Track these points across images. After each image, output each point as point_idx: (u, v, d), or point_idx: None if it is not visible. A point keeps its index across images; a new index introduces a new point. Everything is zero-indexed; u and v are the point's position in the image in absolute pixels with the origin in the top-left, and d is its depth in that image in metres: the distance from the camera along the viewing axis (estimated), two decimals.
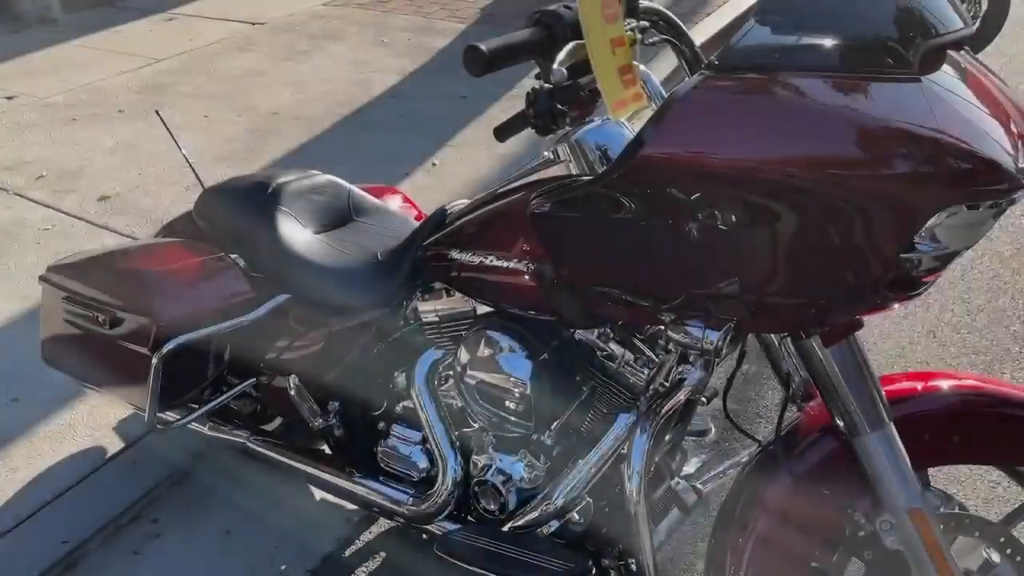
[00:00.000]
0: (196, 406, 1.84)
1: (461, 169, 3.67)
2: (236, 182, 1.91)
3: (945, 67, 1.09)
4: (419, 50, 5.15)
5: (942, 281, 2.78)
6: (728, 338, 1.18)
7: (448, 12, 5.89)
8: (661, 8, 1.25)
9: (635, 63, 1.08)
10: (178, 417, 1.83)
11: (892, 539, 1.26)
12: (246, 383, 1.85)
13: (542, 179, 1.34)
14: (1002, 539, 1.31)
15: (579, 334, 1.50)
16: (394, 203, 2.10)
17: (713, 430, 1.82)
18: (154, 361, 1.68)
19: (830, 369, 1.23)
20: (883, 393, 1.25)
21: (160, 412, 1.83)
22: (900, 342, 2.52)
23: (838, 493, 1.29)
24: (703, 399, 1.73)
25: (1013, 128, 1.13)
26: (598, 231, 1.15)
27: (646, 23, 1.17)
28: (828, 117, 1.00)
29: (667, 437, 1.58)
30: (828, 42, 1.04)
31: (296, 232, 1.78)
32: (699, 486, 1.71)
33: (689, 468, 1.78)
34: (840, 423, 1.26)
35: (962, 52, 1.18)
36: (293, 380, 1.75)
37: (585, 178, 1.17)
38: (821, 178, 0.99)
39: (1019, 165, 1.03)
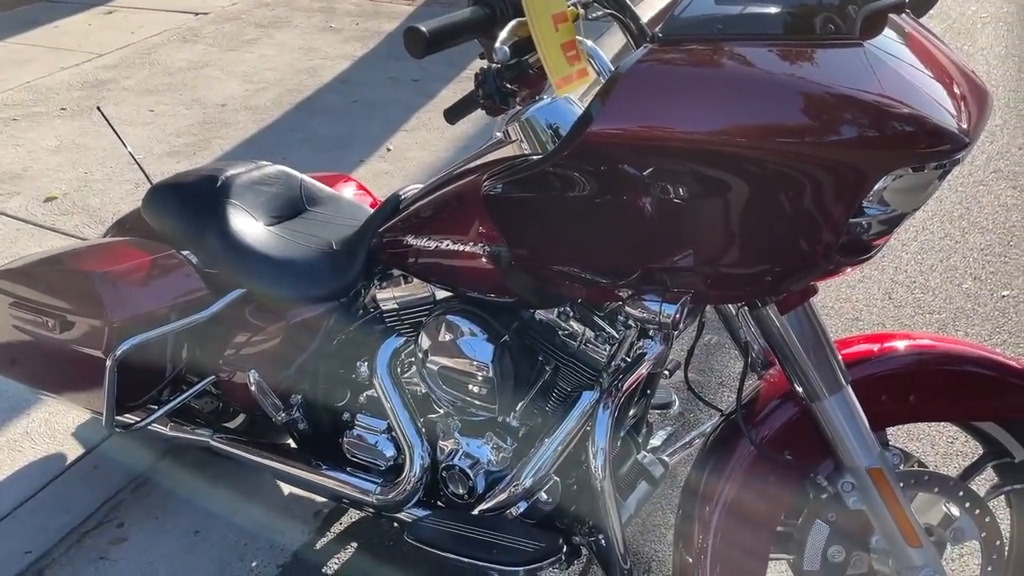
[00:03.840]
0: (155, 407, 1.80)
1: (417, 153, 3.64)
2: (184, 177, 1.87)
3: (887, 31, 1.10)
4: (368, 35, 5.08)
5: (896, 243, 2.83)
6: (685, 311, 1.18)
7: None
8: None
9: (580, 38, 1.07)
10: (137, 419, 1.80)
11: (854, 499, 1.29)
12: (205, 381, 1.82)
13: (494, 160, 1.33)
14: (960, 493, 1.34)
15: (539, 314, 1.50)
16: (348, 191, 2.08)
17: (677, 403, 1.84)
18: (108, 364, 1.64)
19: (786, 336, 1.24)
20: (839, 357, 1.26)
21: (119, 415, 1.80)
22: (856, 306, 2.56)
23: (800, 457, 1.31)
24: (665, 372, 1.74)
25: (956, 90, 1.14)
26: (549, 210, 1.15)
27: None
28: (773, 85, 1.00)
29: (631, 412, 1.59)
30: (770, 10, 1.04)
31: (248, 225, 1.74)
32: (665, 458, 1.73)
33: (655, 441, 1.80)
34: (799, 389, 1.27)
35: (903, 16, 1.19)
36: (253, 376, 1.72)
37: (534, 157, 1.16)
38: (768, 147, 0.99)
39: (961, 126, 1.05)
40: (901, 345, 1.33)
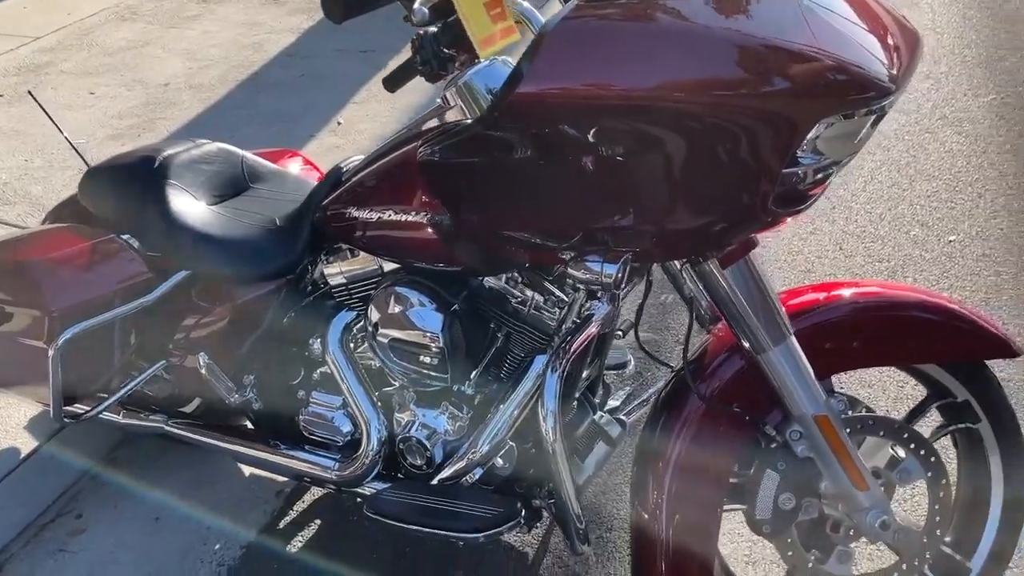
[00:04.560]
0: (105, 396, 1.77)
1: (368, 126, 3.59)
2: (120, 159, 1.82)
3: None
4: (314, 6, 4.97)
5: (846, 194, 2.86)
6: (627, 270, 1.19)
7: None
8: None
9: None
10: (87, 409, 1.77)
11: (802, 447, 1.31)
12: (155, 367, 1.79)
13: (431, 127, 1.31)
14: (905, 435, 1.36)
15: (488, 282, 1.49)
16: (293, 166, 2.04)
17: (632, 362, 1.85)
18: (51, 353, 1.61)
19: (729, 290, 1.25)
20: (782, 308, 1.28)
21: (67, 406, 1.77)
22: (808, 258, 2.59)
23: (748, 409, 1.32)
24: (619, 332, 1.75)
25: (886, 36, 1.14)
26: (485, 175, 1.13)
27: None
28: (704, 38, 1.00)
29: (585, 374, 1.60)
30: None
31: (189, 205, 1.71)
32: (623, 418, 1.74)
33: (614, 402, 1.81)
34: (744, 342, 1.28)
35: None
36: (203, 358, 1.70)
37: (467, 122, 1.14)
38: (700, 100, 0.99)
39: (891, 72, 1.05)
40: (845, 293, 1.35)
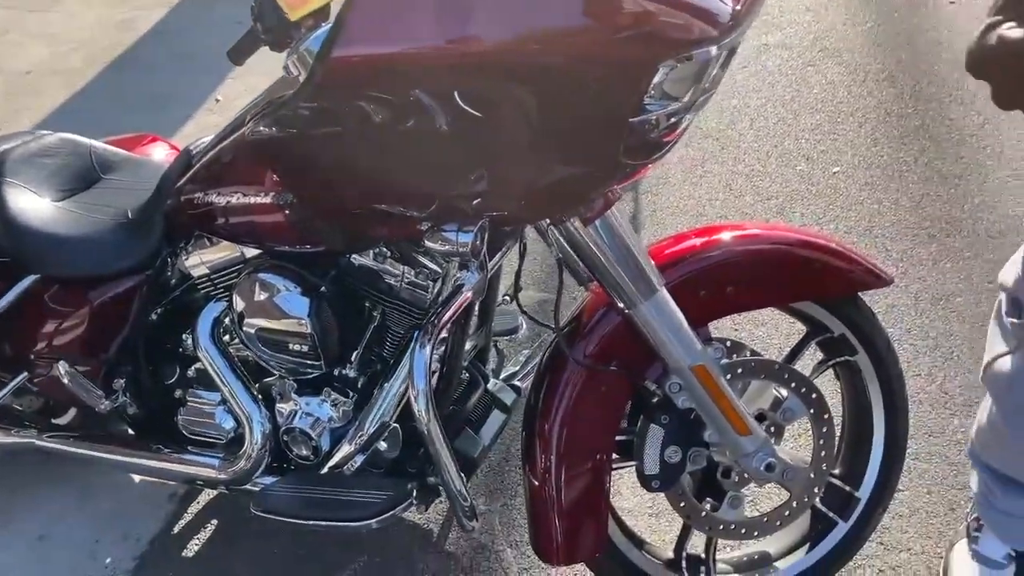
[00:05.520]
0: None
1: (248, 100, 3.42)
2: None
3: None
4: None
5: (733, 133, 2.87)
6: (484, 237, 1.14)
7: None
8: None
9: None
10: None
11: (683, 399, 1.30)
12: (16, 380, 1.67)
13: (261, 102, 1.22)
14: (786, 375, 1.37)
15: (356, 259, 1.42)
16: (156, 152, 1.92)
17: (524, 326, 1.81)
18: None
19: (595, 247, 1.22)
20: (651, 261, 1.25)
21: None
22: (700, 200, 2.59)
23: (627, 366, 1.30)
24: (505, 297, 1.71)
25: None
26: (319, 148, 1.07)
27: None
28: None
29: (470, 344, 1.56)
30: None
31: (30, 203, 1.58)
32: (517, 383, 1.71)
33: (513, 367, 1.78)
34: (616, 298, 1.25)
35: None
36: (63, 367, 1.59)
37: (289, 92, 1.07)
38: (534, 52, 0.94)
39: (734, 9, 1.01)
40: (715, 239, 1.33)
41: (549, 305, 2.17)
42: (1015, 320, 1.26)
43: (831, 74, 3.09)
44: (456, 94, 0.96)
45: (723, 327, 1.91)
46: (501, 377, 1.74)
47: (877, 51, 3.19)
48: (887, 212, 2.41)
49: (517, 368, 1.77)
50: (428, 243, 1.16)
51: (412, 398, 1.27)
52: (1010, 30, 0.58)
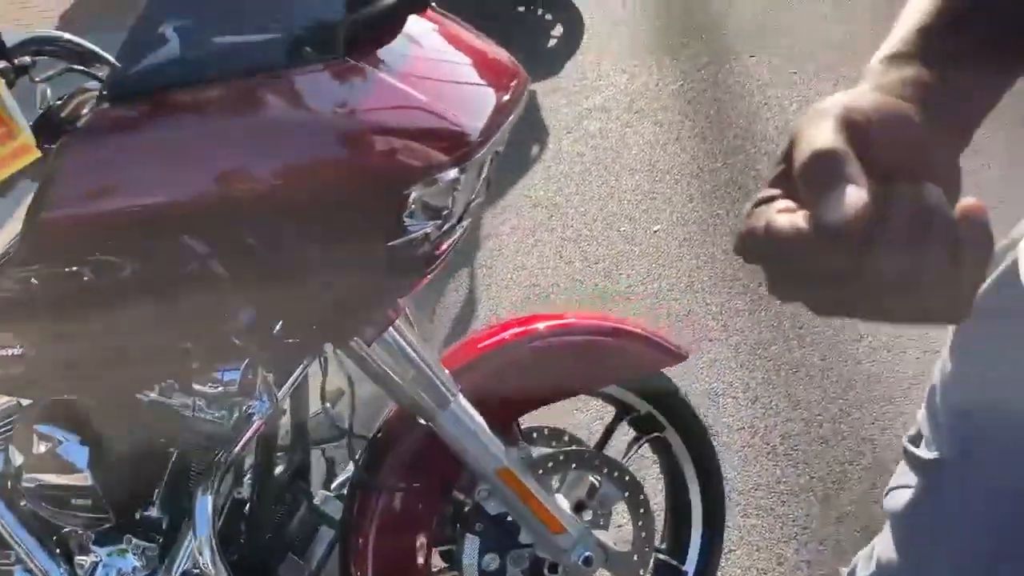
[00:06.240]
0: None
1: None
2: None
3: (402, 37, 1.05)
4: None
5: (560, 200, 2.93)
6: (256, 371, 1.10)
7: None
8: (58, 34, 1.07)
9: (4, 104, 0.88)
10: None
11: (493, 504, 1.28)
12: None
13: None
14: (597, 462, 1.37)
15: (142, 396, 1.34)
16: None
17: (353, 427, 1.75)
18: None
19: (382, 366, 1.19)
20: (444, 371, 1.23)
21: None
22: (532, 271, 2.63)
23: (435, 478, 1.28)
24: (327, 405, 1.66)
25: (479, 83, 1.12)
26: (51, 302, 0.99)
27: (28, 59, 0.99)
28: (254, 127, 0.92)
29: (278, 469, 1.49)
30: (241, 41, 0.95)
31: None
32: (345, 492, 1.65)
33: (345, 475, 1.71)
34: (413, 413, 1.23)
35: (430, 11, 1.15)
36: None
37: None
38: (259, 193, 0.91)
39: (476, 124, 1.02)
40: (508, 336, 1.34)
41: (376, 403, 2.13)
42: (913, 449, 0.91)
43: (648, 134, 3.23)
44: (191, 241, 0.92)
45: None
46: (333, 486, 1.67)
47: (688, 109, 3.36)
48: (704, 267, 2.52)
49: (348, 475, 1.71)
50: (196, 386, 1.10)
51: (195, 550, 1.20)
52: (781, 215, 0.45)
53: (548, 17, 4.32)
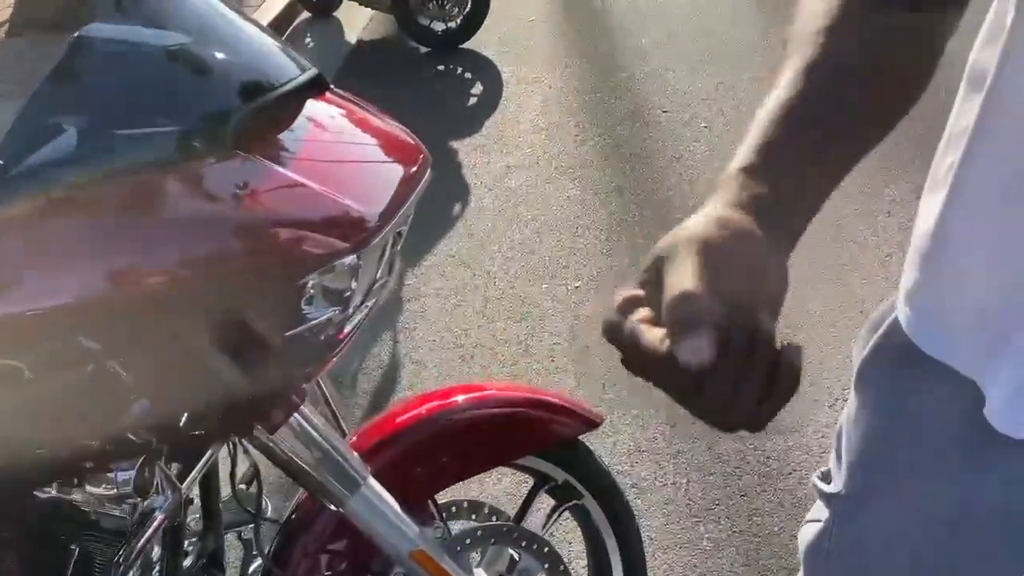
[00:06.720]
0: None
1: None
2: None
3: (302, 120, 1.06)
4: None
5: (485, 259, 2.95)
6: (152, 469, 1.07)
7: None
8: None
9: None
10: None
11: None
12: None
13: None
14: (515, 535, 1.36)
15: (40, 492, 1.28)
16: None
17: (269, 508, 1.71)
18: None
19: (288, 454, 1.17)
20: (352, 453, 1.21)
21: None
22: (455, 332, 2.63)
23: (349, 563, 1.25)
24: (242, 486, 1.62)
25: (380, 163, 1.13)
26: None
27: None
28: (142, 223, 0.91)
29: (189, 560, 1.44)
30: (127, 135, 0.94)
31: None
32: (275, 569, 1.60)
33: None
34: (323, 499, 1.20)
35: (330, 93, 1.16)
36: None
37: None
38: (151, 288, 0.90)
39: (372, 211, 1.03)
40: (419, 412, 1.33)
41: (288, 485, 2.08)
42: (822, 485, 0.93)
43: (568, 191, 3.29)
44: (85, 340, 0.90)
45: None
46: (250, 570, 1.62)
47: (605, 164, 3.45)
48: None
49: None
50: (90, 488, 1.07)
51: None
52: (645, 326, 0.54)
53: (468, 76, 4.40)
